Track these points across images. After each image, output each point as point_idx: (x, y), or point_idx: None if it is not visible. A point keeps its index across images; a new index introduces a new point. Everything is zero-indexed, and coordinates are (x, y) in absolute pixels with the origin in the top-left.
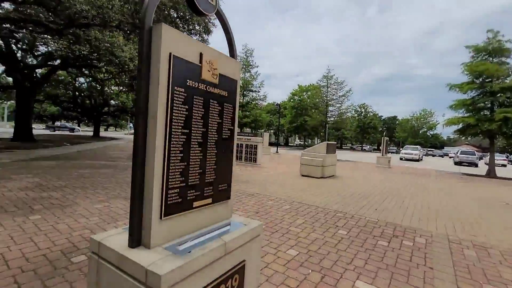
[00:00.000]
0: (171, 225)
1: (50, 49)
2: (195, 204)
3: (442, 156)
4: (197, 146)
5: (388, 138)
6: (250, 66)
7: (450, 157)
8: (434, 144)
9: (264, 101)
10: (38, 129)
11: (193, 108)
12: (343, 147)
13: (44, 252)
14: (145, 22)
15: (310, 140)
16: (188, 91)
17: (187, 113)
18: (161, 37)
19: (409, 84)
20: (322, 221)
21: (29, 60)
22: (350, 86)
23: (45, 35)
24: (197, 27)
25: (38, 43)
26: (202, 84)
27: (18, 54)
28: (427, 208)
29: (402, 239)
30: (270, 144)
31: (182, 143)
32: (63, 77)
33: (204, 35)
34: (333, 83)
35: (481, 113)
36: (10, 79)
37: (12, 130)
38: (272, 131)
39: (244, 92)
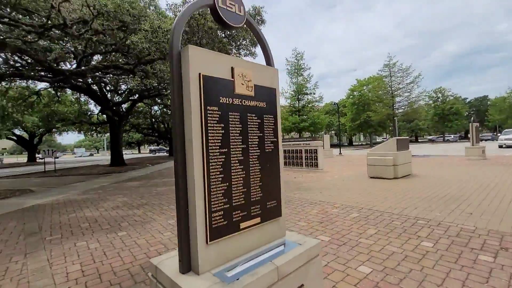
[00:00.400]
0: (219, 250)
1: (129, 86)
2: (243, 225)
3: None
4: (238, 164)
5: (478, 124)
6: (302, 69)
7: None
8: None
9: (320, 102)
10: (128, 154)
11: (230, 125)
12: (419, 140)
13: (127, 267)
14: (173, 47)
15: (377, 137)
16: (222, 109)
17: (223, 131)
18: (189, 59)
19: (499, 55)
20: (399, 230)
21: (116, 98)
22: (419, 71)
23: (123, 76)
24: (243, 42)
25: (120, 83)
26: (237, 99)
27: (108, 95)
28: None
29: None
30: (332, 146)
31: (221, 163)
32: (141, 108)
33: (251, 48)
34: (396, 70)
35: None
36: (104, 116)
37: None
38: (333, 132)
39: (299, 96)
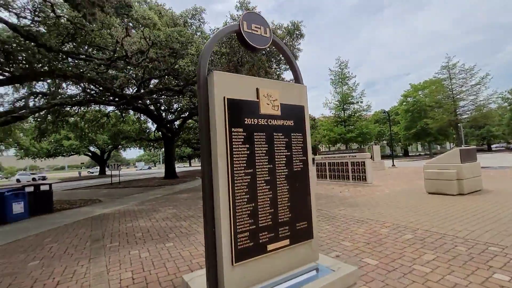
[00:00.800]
0: (245, 271)
1: (180, 105)
2: (270, 247)
3: None
4: (265, 184)
5: None
6: (347, 78)
7: None
8: None
9: (369, 111)
10: (180, 167)
11: (255, 145)
12: (493, 149)
13: (171, 278)
14: (200, 73)
15: (439, 146)
16: (247, 130)
17: (249, 152)
18: (214, 83)
19: None
20: (464, 258)
21: (169, 116)
22: (487, 70)
23: (175, 96)
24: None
25: (173, 103)
26: (262, 119)
27: (163, 114)
28: None
29: None
30: (384, 157)
31: (247, 183)
32: (191, 124)
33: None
34: (457, 72)
35: None
36: (160, 133)
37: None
38: (384, 142)
39: (344, 106)
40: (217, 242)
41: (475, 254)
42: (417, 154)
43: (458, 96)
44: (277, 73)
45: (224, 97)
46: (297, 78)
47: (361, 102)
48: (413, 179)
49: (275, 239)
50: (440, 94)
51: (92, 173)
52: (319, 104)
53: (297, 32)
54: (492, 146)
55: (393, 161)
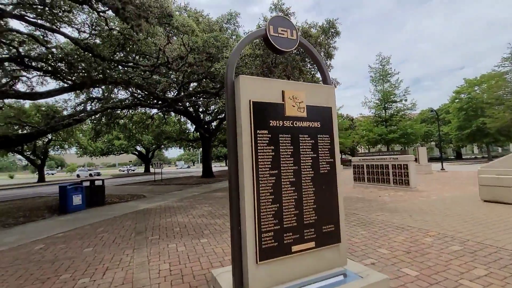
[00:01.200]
0: (269, 271)
1: (216, 107)
2: (294, 248)
3: None
4: (290, 185)
5: None
6: (389, 75)
7: None
8: None
9: (414, 110)
10: (217, 166)
11: (280, 147)
12: None
13: (204, 272)
14: (227, 77)
15: (500, 148)
16: (272, 132)
17: (273, 153)
18: (240, 87)
19: None
20: None
21: (206, 117)
22: None
23: (212, 98)
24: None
25: (210, 104)
26: (287, 121)
27: (201, 115)
28: None
29: None
30: (433, 160)
31: (272, 184)
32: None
33: (327, 61)
34: None
35: None
36: (198, 133)
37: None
38: (433, 143)
39: (385, 105)
40: (242, 241)
41: None
42: (473, 157)
43: None
44: (312, 72)
45: (249, 100)
46: (325, 79)
47: (405, 100)
48: (465, 184)
49: (300, 241)
50: (501, 89)
51: (123, 171)
52: (357, 103)
53: (333, 30)
54: None
55: (442, 164)
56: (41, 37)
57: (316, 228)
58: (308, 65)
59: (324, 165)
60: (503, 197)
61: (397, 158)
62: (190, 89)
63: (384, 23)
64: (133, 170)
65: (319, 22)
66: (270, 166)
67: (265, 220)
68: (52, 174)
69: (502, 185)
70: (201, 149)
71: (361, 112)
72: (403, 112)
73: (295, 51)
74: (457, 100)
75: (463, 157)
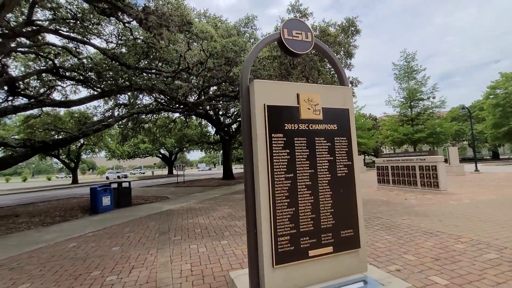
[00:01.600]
0: (285, 275)
1: (236, 109)
2: (311, 253)
3: None
4: (306, 189)
5: None
6: (415, 72)
7: None
8: None
9: (443, 108)
10: (238, 168)
11: (296, 150)
12: None
13: (224, 274)
14: (242, 82)
15: None
16: (287, 135)
17: (289, 157)
18: (255, 92)
19: None
20: None
21: (227, 120)
22: None
23: (231, 101)
24: (337, 56)
25: (230, 107)
26: (303, 124)
27: (221, 118)
28: None
29: None
30: (465, 160)
31: (287, 188)
32: None
33: (347, 60)
34: None
35: None
36: (218, 136)
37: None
38: (465, 143)
39: (411, 103)
40: (259, 244)
41: None
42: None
43: None
44: (332, 72)
45: (264, 104)
46: (342, 80)
47: (433, 97)
48: (503, 187)
49: (317, 245)
50: None
51: (143, 173)
52: (380, 102)
53: (352, 29)
54: None
55: (476, 165)
56: (74, 49)
57: (334, 232)
58: (328, 65)
59: (341, 168)
60: None
61: (424, 159)
62: (210, 93)
63: (409, 18)
64: (143, 173)
65: (338, 21)
66: (285, 169)
67: (281, 223)
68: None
69: None
70: (221, 151)
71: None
72: (431, 110)
73: (313, 51)
74: (492, 95)
75: (500, 157)
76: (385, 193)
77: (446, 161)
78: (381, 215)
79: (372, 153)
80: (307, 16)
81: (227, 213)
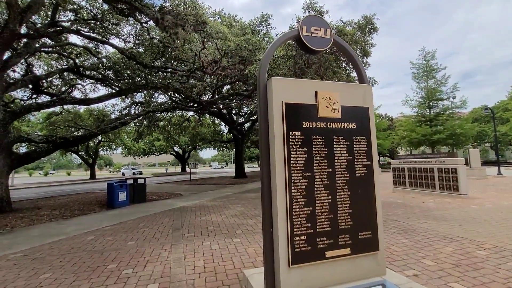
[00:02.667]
0: (301, 275)
1: (249, 109)
2: (328, 254)
3: None
4: (323, 188)
5: None
6: (434, 71)
7: None
8: None
9: (464, 108)
10: (250, 167)
11: (313, 149)
12: None
13: (236, 271)
14: (260, 79)
15: None
16: (305, 133)
17: (306, 155)
18: (273, 89)
19: None
20: None
21: (240, 119)
22: None
23: (244, 100)
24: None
25: (243, 106)
26: (321, 123)
27: (234, 117)
28: None
29: None
30: (488, 163)
31: (304, 187)
32: None
33: (363, 58)
34: None
35: None
36: (231, 134)
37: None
38: (487, 145)
39: (430, 103)
40: (275, 243)
41: None
42: None
43: None
44: (347, 71)
45: (282, 102)
46: (361, 78)
47: (453, 97)
48: None
49: (334, 246)
50: None
51: (141, 172)
52: (396, 102)
53: (370, 27)
54: None
55: (499, 169)
56: (94, 48)
57: (352, 234)
58: (343, 64)
59: (360, 168)
60: None
61: (444, 161)
62: (224, 91)
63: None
64: (140, 173)
65: (354, 19)
66: (303, 168)
67: (297, 223)
68: (112, 171)
69: None
70: (234, 150)
71: (402, 111)
72: (450, 111)
73: (328, 50)
74: None
75: None
76: (401, 196)
77: (466, 163)
78: (398, 218)
79: (388, 154)
80: (322, 14)
81: (240, 211)
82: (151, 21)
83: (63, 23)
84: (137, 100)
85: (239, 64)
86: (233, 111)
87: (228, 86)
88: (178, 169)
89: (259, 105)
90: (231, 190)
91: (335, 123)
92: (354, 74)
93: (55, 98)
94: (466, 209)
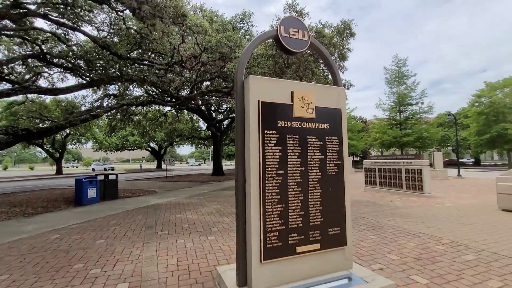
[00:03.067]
0: (273, 270)
1: (228, 105)
2: (299, 249)
3: None
4: (296, 186)
5: None
6: (405, 77)
7: None
8: None
9: (430, 113)
10: (228, 165)
11: (288, 147)
12: None
13: (211, 269)
14: (237, 78)
15: None
16: (280, 132)
17: (281, 154)
18: (250, 87)
19: None
20: None
21: (219, 116)
22: None
23: (224, 97)
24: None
25: (222, 103)
26: (296, 122)
27: (213, 114)
28: None
29: None
30: (450, 165)
31: (278, 184)
32: None
33: (341, 62)
34: None
35: None
36: (209, 131)
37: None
38: (450, 148)
39: (400, 108)
40: (247, 239)
41: None
42: (492, 163)
43: None
44: (325, 74)
45: (258, 100)
46: (336, 81)
47: (421, 103)
48: (483, 192)
49: (305, 242)
50: None
51: (113, 168)
52: (371, 105)
53: (348, 31)
54: None
55: (459, 171)
56: (63, 35)
57: (322, 230)
58: (322, 66)
59: (331, 167)
60: None
61: (410, 162)
62: (203, 87)
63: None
64: (112, 168)
65: (334, 23)
66: (277, 166)
67: (270, 220)
68: (76, 167)
69: None
70: (212, 147)
71: (375, 114)
72: (418, 115)
73: (308, 51)
74: (477, 103)
75: (482, 163)
76: (371, 195)
77: (431, 165)
78: (367, 216)
79: (361, 155)
80: (303, 16)
81: (216, 209)
82: (127, 10)
83: (28, 5)
84: (111, 93)
85: (219, 60)
86: (212, 108)
87: (208, 82)
88: (153, 165)
89: (235, 102)
90: (208, 188)
91: (309, 123)
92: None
93: (17, 86)
94: (428, 207)
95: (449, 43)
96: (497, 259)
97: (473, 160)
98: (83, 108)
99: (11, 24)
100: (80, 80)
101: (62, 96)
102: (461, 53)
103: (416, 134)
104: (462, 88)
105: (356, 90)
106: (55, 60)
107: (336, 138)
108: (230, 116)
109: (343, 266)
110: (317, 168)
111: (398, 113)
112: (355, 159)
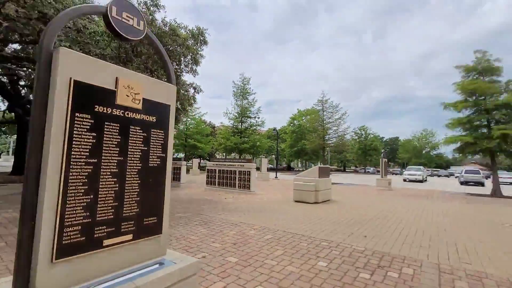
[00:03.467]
0: (69, 269)
1: None
2: (107, 242)
3: (447, 176)
4: (111, 176)
5: (386, 160)
6: (248, 94)
7: (455, 177)
8: (440, 164)
9: (263, 127)
10: None
11: (105, 135)
12: (347, 170)
13: None
14: (43, 46)
15: (313, 164)
16: (96, 118)
17: (94, 141)
18: (59, 61)
19: (409, 105)
20: (303, 251)
21: (31, 95)
22: (348, 110)
23: None
24: (183, 59)
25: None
26: (118, 110)
27: (22, 90)
28: (422, 233)
29: (388, 270)
30: (272, 169)
31: (87, 173)
32: None
33: (194, 66)
34: (328, 106)
35: (479, 131)
36: (13, 114)
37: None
38: (273, 156)
39: (242, 119)
40: (35, 238)
41: (311, 248)
42: (299, 169)
43: (327, 126)
44: (177, 73)
45: (70, 78)
46: (169, 78)
47: (258, 117)
48: (289, 189)
49: (115, 234)
50: (315, 122)
51: None
52: (220, 113)
53: (201, 38)
54: (346, 168)
55: (276, 174)
56: None
57: (136, 221)
58: (174, 65)
59: (154, 159)
60: (305, 198)
61: (243, 165)
62: (7, 50)
63: (252, 49)
64: None
65: (189, 26)
66: (88, 154)
67: (71, 212)
68: None
69: (305, 189)
70: (16, 136)
71: (222, 121)
72: (255, 127)
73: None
74: (292, 124)
75: (292, 169)
76: (211, 194)
77: (258, 169)
78: (203, 212)
79: (207, 158)
80: (158, 7)
81: (13, 217)
82: None
83: None
84: None
85: (37, 20)
86: (22, 83)
87: (17, 46)
88: None
89: (37, 75)
90: (1, 191)
91: (134, 114)
92: (185, 77)
93: None
94: (251, 202)
95: (280, 75)
96: (284, 235)
97: (286, 165)
98: None
99: None
100: None
101: None
102: (286, 84)
103: (251, 143)
104: (285, 111)
105: (210, 97)
106: None
107: (162, 132)
108: None
109: (157, 253)
110: (138, 159)
111: (240, 123)
112: (202, 162)
